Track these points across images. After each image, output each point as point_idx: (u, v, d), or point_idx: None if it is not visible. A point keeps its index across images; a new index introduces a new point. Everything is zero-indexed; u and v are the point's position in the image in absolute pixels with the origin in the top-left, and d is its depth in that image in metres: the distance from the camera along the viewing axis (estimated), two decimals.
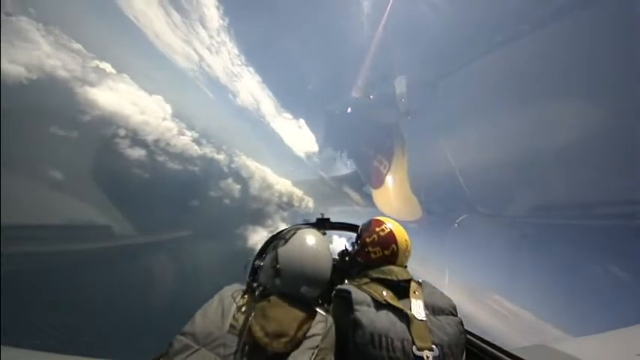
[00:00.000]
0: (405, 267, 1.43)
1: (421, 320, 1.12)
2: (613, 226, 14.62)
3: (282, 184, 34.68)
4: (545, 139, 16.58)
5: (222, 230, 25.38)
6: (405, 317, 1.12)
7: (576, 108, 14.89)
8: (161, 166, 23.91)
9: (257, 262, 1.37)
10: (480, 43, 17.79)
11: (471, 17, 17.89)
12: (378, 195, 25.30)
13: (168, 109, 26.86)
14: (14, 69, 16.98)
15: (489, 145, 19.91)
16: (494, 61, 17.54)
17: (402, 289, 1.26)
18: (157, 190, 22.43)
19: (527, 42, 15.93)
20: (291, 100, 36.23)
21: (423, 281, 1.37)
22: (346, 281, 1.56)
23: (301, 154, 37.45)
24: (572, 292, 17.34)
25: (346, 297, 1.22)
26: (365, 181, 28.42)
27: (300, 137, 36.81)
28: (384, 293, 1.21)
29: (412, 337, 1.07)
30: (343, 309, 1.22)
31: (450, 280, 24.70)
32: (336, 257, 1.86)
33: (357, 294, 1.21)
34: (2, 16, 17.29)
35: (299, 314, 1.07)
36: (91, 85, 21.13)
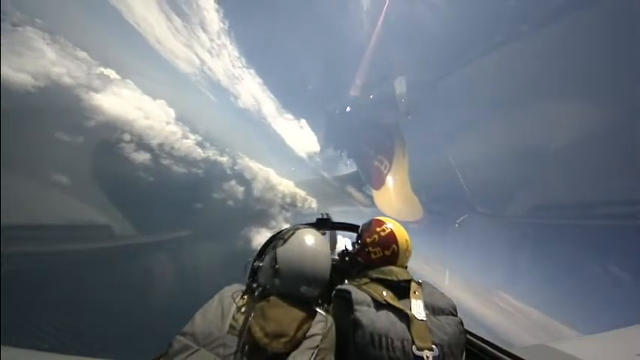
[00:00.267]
0: (406, 267, 1.42)
1: (421, 320, 1.11)
2: (613, 225, 14.48)
3: (285, 185, 34.77)
4: (545, 139, 16.47)
5: (226, 231, 25.46)
6: (405, 317, 1.11)
7: (576, 108, 14.77)
8: (166, 170, 24.09)
9: (256, 263, 1.36)
10: (479, 43, 17.67)
11: (471, 17, 17.77)
12: (378, 195, 25.21)
13: (172, 113, 27.12)
14: (21, 77, 17.23)
15: (489, 145, 19.80)
16: (493, 61, 17.39)
17: (402, 289, 1.25)
18: (161, 192, 22.58)
19: (526, 42, 15.81)
20: (292, 100, 36.27)
21: (423, 281, 1.35)
22: (346, 281, 1.55)
23: (303, 154, 37.44)
24: (574, 290, 17.21)
25: (346, 297, 1.22)
26: (365, 181, 28.38)
27: (301, 138, 36.72)
28: (384, 293, 1.21)
29: (412, 337, 1.06)
30: (343, 309, 1.21)
31: (456, 279, 24.63)
32: (336, 257, 1.87)
33: (357, 294, 1.20)
34: (9, 26, 17.63)
35: (298, 314, 1.07)
36: (96, 91, 21.40)
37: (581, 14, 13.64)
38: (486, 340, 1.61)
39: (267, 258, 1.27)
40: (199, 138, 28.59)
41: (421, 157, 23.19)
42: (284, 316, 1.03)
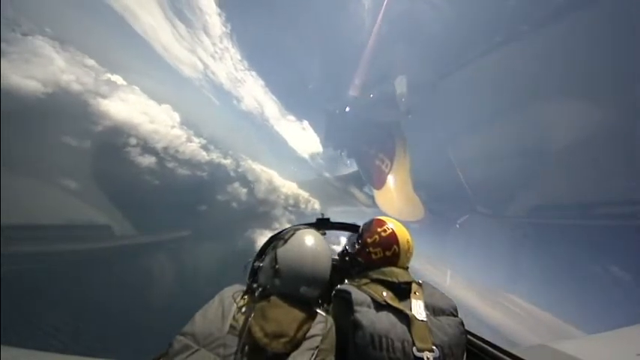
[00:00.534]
0: (407, 268, 1.40)
1: (422, 321, 1.10)
2: (614, 225, 14.30)
3: (288, 186, 34.73)
4: (545, 139, 16.34)
5: (230, 233, 25.53)
6: (406, 318, 1.10)
7: (576, 108, 14.63)
8: (170, 172, 24.26)
9: (256, 263, 1.35)
10: (479, 42, 17.50)
11: (471, 16, 17.61)
12: (379, 195, 25.07)
13: (177, 117, 27.30)
14: (31, 84, 17.52)
15: (490, 144, 19.68)
16: (494, 60, 17.23)
17: (402, 290, 1.23)
18: (166, 195, 22.72)
19: (526, 42, 15.66)
20: (294, 102, 36.21)
21: (423, 282, 1.33)
22: (346, 281, 1.52)
23: (306, 155, 37.48)
24: (576, 290, 17.02)
25: (346, 297, 1.20)
26: (366, 181, 28.22)
27: (304, 139, 36.82)
28: (384, 294, 1.19)
29: (412, 338, 1.05)
30: (343, 309, 1.20)
31: (458, 279, 24.42)
32: (336, 257, 1.83)
33: (357, 294, 1.18)
34: (20, 35, 18.00)
35: (299, 315, 1.06)
36: (103, 96, 21.67)
37: (581, 14, 13.48)
38: (487, 341, 1.59)
39: (268, 258, 1.26)
40: (203, 141, 28.75)
41: (422, 157, 23.06)
42: (284, 316, 1.02)
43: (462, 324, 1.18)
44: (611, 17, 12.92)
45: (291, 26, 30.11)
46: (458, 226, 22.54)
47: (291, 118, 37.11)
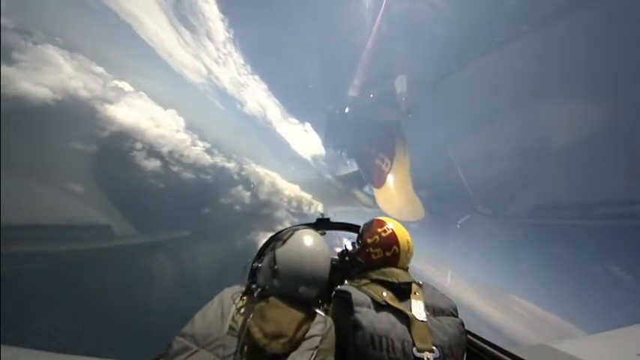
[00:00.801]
0: (407, 269, 1.38)
1: (422, 321, 1.09)
2: (615, 225, 14.11)
3: (291, 189, 34.78)
4: (545, 139, 16.23)
5: (233, 235, 25.57)
6: (406, 318, 1.09)
7: (576, 108, 14.53)
8: (175, 176, 24.43)
9: (255, 264, 1.33)
10: (479, 42, 17.35)
11: (470, 16, 17.48)
12: (379, 194, 24.91)
13: (182, 121, 27.60)
14: (40, 90, 17.82)
15: (489, 144, 19.57)
16: (494, 60, 17.08)
17: (402, 290, 1.22)
18: (171, 198, 22.86)
19: (526, 42, 15.51)
20: (296, 104, 36.41)
21: (423, 282, 1.32)
22: (346, 282, 1.51)
23: (308, 157, 37.51)
24: (578, 290, 16.83)
25: (346, 298, 1.18)
26: (366, 181, 28.11)
27: (306, 141, 36.86)
28: (384, 294, 1.17)
29: (412, 338, 1.04)
30: (343, 310, 1.18)
31: (463, 280, 24.21)
32: (336, 257, 1.81)
33: (357, 295, 1.17)
34: (30, 44, 18.39)
35: (298, 315, 1.04)
36: (111, 102, 21.98)
37: (581, 14, 13.35)
38: (487, 341, 1.57)
39: (266, 259, 1.24)
40: (208, 145, 28.98)
41: (423, 157, 22.92)
42: (283, 316, 1.01)
43: (462, 324, 1.16)
44: (611, 17, 12.80)
45: (292, 30, 30.43)
46: (459, 226, 22.38)
47: (294, 120, 37.32)
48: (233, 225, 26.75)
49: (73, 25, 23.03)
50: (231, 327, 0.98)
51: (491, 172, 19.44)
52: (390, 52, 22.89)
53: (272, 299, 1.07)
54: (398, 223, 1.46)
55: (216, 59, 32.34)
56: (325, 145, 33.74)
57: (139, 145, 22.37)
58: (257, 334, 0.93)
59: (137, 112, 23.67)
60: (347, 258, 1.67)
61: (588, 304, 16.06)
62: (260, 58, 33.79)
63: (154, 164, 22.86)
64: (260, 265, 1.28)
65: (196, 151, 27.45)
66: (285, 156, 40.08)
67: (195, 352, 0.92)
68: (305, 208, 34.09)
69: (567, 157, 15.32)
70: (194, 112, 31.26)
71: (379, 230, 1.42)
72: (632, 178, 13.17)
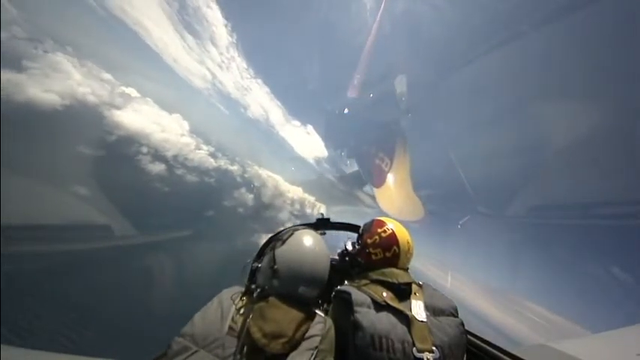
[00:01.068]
0: (407, 269, 1.36)
1: (422, 321, 1.08)
2: (618, 225, 13.92)
3: (294, 191, 34.76)
4: (546, 139, 16.12)
5: (236, 238, 25.57)
6: (406, 318, 1.08)
7: (576, 108, 14.43)
8: (180, 179, 24.58)
9: (255, 264, 1.31)
10: (479, 42, 17.24)
11: (470, 16, 17.37)
12: (379, 194, 24.83)
13: (186, 125, 27.82)
14: (50, 97, 18.11)
15: (490, 144, 19.46)
16: (493, 60, 16.98)
17: (402, 290, 1.20)
18: (175, 201, 22.99)
19: (527, 42, 15.40)
20: (298, 107, 36.48)
21: (423, 283, 1.31)
22: (346, 282, 1.48)
23: (311, 160, 37.45)
24: (579, 289, 16.63)
25: (346, 298, 1.17)
26: (366, 180, 28.01)
27: (309, 143, 36.74)
28: (384, 294, 1.16)
29: (412, 338, 1.03)
30: (343, 310, 1.17)
31: (467, 280, 23.99)
32: (336, 257, 1.79)
33: (356, 295, 1.15)
34: (41, 52, 18.77)
35: (297, 315, 1.03)
36: (118, 108, 22.29)
37: (582, 14, 13.24)
38: (487, 341, 1.57)
39: (266, 259, 1.23)
40: (212, 149, 29.14)
41: (423, 157, 22.79)
42: (283, 316, 1.00)
43: (462, 324, 1.15)
44: (610, 17, 12.71)
45: (293, 32, 30.57)
46: (459, 226, 22.22)
47: (296, 123, 37.42)
48: (236, 227, 26.78)
49: (83, 33, 23.58)
50: (230, 327, 0.98)
51: (491, 172, 19.32)
52: (391, 52, 22.76)
53: (272, 299, 1.06)
54: (398, 223, 1.44)
55: (220, 64, 32.75)
56: (327, 146, 33.83)
57: (144, 149, 22.60)
58: (256, 334, 0.93)
59: (143, 117, 23.96)
60: (347, 258, 1.65)
61: (588, 304, 15.87)
62: (262, 61, 34.13)
63: (159, 168, 23.06)
64: (260, 265, 1.27)
65: (200, 154, 27.64)
66: (287, 158, 40.22)
67: (195, 352, 0.91)
68: (308, 210, 34.03)
69: (568, 157, 15.20)
70: (198, 116, 31.55)
71: (379, 230, 1.41)
72: (632, 178, 13.01)
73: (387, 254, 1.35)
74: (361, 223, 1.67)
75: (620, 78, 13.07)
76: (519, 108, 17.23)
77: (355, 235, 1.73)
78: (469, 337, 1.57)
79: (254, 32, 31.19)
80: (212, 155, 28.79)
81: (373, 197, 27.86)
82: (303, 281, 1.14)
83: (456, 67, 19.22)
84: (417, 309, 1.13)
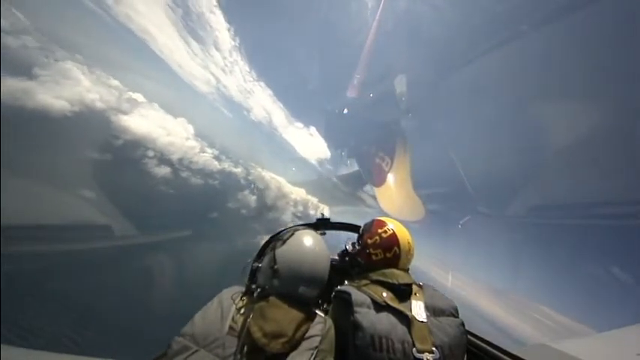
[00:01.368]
0: (407, 270, 1.35)
1: (422, 322, 1.07)
2: (618, 225, 13.71)
3: (297, 192, 34.71)
4: (545, 139, 15.96)
5: (239, 239, 25.62)
6: (406, 319, 1.07)
7: (576, 108, 14.28)
8: (184, 182, 24.74)
9: (255, 264, 1.30)
10: (480, 42, 17.06)
11: (470, 15, 17.21)
12: (380, 193, 24.69)
13: (191, 129, 27.96)
14: (59, 103, 18.42)
15: (489, 144, 19.31)
16: (493, 60, 16.82)
17: (402, 291, 1.20)
18: (180, 203, 23.13)
19: (527, 42, 15.24)
20: (300, 108, 36.41)
21: (424, 283, 1.30)
22: (346, 282, 1.46)
23: (314, 161, 37.49)
24: (578, 289, 16.40)
25: (346, 298, 1.16)
26: (366, 180, 27.79)
27: (311, 145, 36.77)
28: (384, 294, 1.15)
29: (412, 339, 1.02)
30: (343, 310, 1.16)
31: (463, 278, 23.76)
32: (337, 257, 1.79)
33: (356, 295, 1.14)
34: (52, 61, 19.14)
35: (297, 315, 1.02)
36: (125, 113, 22.56)
37: (582, 14, 13.09)
38: (487, 341, 1.56)
39: (266, 259, 1.22)
40: (216, 151, 29.23)
41: (422, 156, 22.67)
42: (283, 316, 1.00)
43: (463, 324, 1.15)
44: (610, 17, 12.56)
45: (295, 33, 30.53)
46: (460, 226, 22.05)
47: (299, 124, 37.46)
48: (240, 229, 26.86)
49: (92, 41, 24.02)
50: (231, 327, 0.97)
51: (492, 173, 19.16)
52: (391, 52, 22.59)
53: (272, 299, 1.06)
54: (398, 224, 1.42)
55: (223, 68, 33.00)
56: (330, 147, 33.69)
57: (150, 153, 22.82)
58: (257, 334, 0.92)
59: (149, 122, 24.21)
60: (347, 258, 1.64)
61: (589, 303, 15.63)
62: (264, 64, 34.14)
63: (164, 170, 23.25)
64: (260, 265, 1.26)
65: (205, 157, 27.77)
66: (291, 160, 40.29)
67: (195, 352, 0.90)
68: (312, 212, 33.95)
69: (568, 156, 15.02)
70: (203, 120, 31.79)
71: (380, 231, 1.39)
72: (632, 178, 12.81)
73: (388, 255, 1.33)
74: (361, 223, 1.65)
75: (620, 78, 12.90)
76: (519, 108, 17.07)
77: (355, 235, 1.72)
78: (469, 337, 1.55)
79: (256, 34, 31.28)
80: (216, 158, 28.91)
81: (373, 197, 27.76)
82: (303, 281, 1.13)
83: (456, 67, 19.09)
84: (417, 309, 1.12)
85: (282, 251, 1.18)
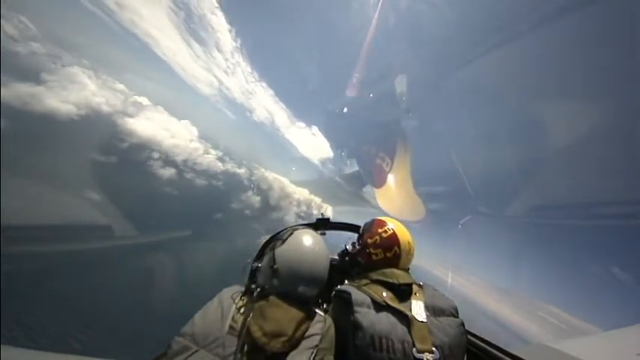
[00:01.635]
0: (407, 270, 1.33)
1: (422, 322, 1.06)
2: (619, 226, 13.56)
3: (300, 192, 34.72)
4: (545, 139, 15.84)
5: (242, 239, 25.65)
6: (406, 319, 1.05)
7: (576, 108, 14.16)
8: (189, 183, 24.87)
9: (255, 264, 1.30)
10: (480, 42, 16.93)
11: (470, 15, 17.09)
12: (380, 194, 24.58)
13: (195, 131, 28.13)
14: (66, 107, 18.63)
15: (489, 145, 19.20)
16: (493, 60, 16.69)
17: (402, 291, 1.18)
18: (184, 204, 23.24)
19: (526, 42, 15.13)
20: (302, 108, 36.43)
21: (424, 283, 1.28)
22: (346, 282, 1.45)
23: (316, 160, 37.51)
24: (580, 289, 16.24)
25: (346, 298, 1.15)
26: (366, 180, 27.70)
27: (314, 145, 36.74)
28: (384, 294, 1.14)
29: (412, 339, 1.01)
30: (343, 310, 1.15)
31: (465, 278, 23.63)
32: (337, 257, 1.77)
33: (356, 295, 1.13)
34: (59, 66, 19.38)
35: (297, 314, 1.02)
36: (130, 116, 22.76)
37: (582, 14, 12.98)
38: (487, 341, 1.54)
39: (266, 259, 1.21)
40: (220, 153, 29.36)
41: (422, 156, 22.57)
42: (283, 315, 0.99)
43: (463, 324, 1.13)
44: (610, 17, 12.45)
45: (295, 33, 30.45)
46: (460, 226, 21.94)
47: (301, 124, 37.56)
48: (243, 229, 26.92)
49: (98, 46, 24.32)
50: (231, 326, 0.96)
51: (492, 172, 19.05)
52: (391, 52, 22.43)
53: (272, 298, 1.05)
54: (399, 223, 1.40)
55: (226, 69, 33.17)
56: (332, 147, 33.57)
57: (155, 155, 22.98)
58: (257, 333, 0.91)
59: (154, 124, 24.40)
60: (347, 258, 1.62)
61: (589, 303, 15.48)
62: (266, 64, 34.17)
63: (169, 172, 23.40)
64: (260, 265, 1.25)
65: (209, 158, 27.90)
66: (293, 160, 40.29)
67: (195, 351, 0.89)
68: (315, 212, 33.90)
69: (568, 156, 14.90)
70: (206, 121, 31.93)
71: (380, 231, 1.37)
72: (632, 178, 12.67)
73: (388, 254, 1.32)
74: (361, 223, 1.63)
75: (620, 78, 12.78)
76: (519, 107, 16.95)
77: (355, 234, 1.71)
78: (469, 337, 1.54)
79: (257, 35, 31.22)
80: (220, 159, 29.03)
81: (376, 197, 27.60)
82: (302, 281, 1.13)
83: (456, 67, 18.98)
84: (417, 309, 1.11)
85: (282, 251, 1.17)
